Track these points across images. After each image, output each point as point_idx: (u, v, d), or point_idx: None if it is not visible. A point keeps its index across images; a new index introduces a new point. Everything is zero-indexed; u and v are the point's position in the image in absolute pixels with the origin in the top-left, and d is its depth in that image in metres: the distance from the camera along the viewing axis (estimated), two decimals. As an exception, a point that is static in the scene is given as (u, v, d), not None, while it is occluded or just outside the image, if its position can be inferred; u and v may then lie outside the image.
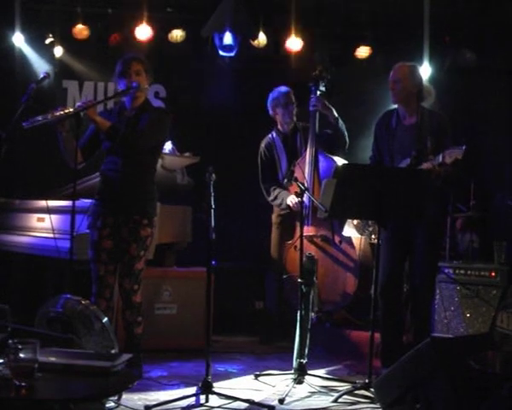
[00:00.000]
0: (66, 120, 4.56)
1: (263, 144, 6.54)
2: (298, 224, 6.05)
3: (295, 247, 6.00)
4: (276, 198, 6.32)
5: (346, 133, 6.23)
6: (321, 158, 6.16)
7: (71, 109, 4.58)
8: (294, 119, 6.46)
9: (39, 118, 4.44)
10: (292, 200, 6.04)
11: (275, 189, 6.36)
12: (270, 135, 6.56)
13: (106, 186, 4.78)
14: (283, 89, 6.46)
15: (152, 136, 4.72)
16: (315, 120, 6.20)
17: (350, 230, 6.17)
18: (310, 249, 5.70)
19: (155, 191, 4.87)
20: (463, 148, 4.67)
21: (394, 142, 5.21)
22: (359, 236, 6.23)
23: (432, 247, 5.23)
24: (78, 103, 4.71)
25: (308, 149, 6.18)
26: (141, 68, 4.74)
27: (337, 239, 6.01)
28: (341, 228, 6.07)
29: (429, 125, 5.09)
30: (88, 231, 4.88)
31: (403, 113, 5.24)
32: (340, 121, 6.18)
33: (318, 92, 6.17)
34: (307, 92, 6.26)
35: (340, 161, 6.04)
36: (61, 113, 4.50)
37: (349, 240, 6.01)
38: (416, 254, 5.17)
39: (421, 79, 5.33)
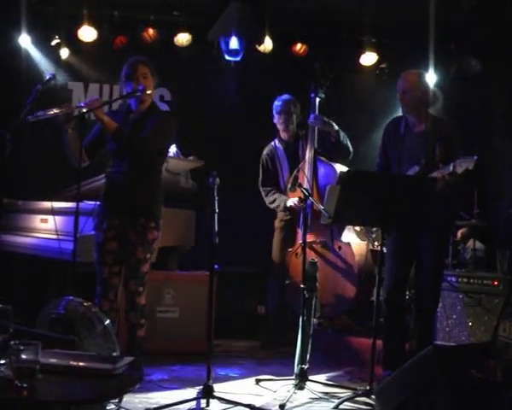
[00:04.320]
0: (72, 119, 4.57)
1: (265, 152, 6.57)
2: (299, 230, 6.07)
3: (296, 254, 6.02)
4: (274, 201, 6.37)
5: (348, 144, 6.25)
6: (319, 165, 6.17)
7: (76, 106, 4.60)
8: (291, 127, 6.46)
9: (41, 112, 4.45)
10: (294, 201, 6.06)
11: (274, 193, 6.39)
12: (272, 143, 6.58)
13: (112, 188, 4.78)
14: (285, 97, 6.47)
15: (157, 140, 4.71)
16: (314, 133, 6.19)
17: (350, 235, 6.18)
18: (309, 256, 5.68)
19: (161, 194, 4.86)
20: (475, 158, 4.65)
21: (402, 149, 5.19)
22: (360, 241, 6.23)
23: (438, 255, 5.22)
24: (85, 101, 4.71)
25: (307, 151, 6.17)
26: (147, 71, 4.74)
27: (336, 245, 6.02)
28: (340, 234, 6.08)
29: (438, 132, 5.08)
30: (92, 232, 4.88)
31: (412, 120, 5.22)
32: (342, 133, 6.19)
33: (318, 99, 6.17)
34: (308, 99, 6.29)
35: (339, 168, 6.05)
36: (66, 109, 4.51)
37: (348, 246, 6.01)
38: (422, 262, 5.15)
39: (428, 84, 5.33)
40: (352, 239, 6.18)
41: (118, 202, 4.73)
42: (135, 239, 4.68)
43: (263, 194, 6.47)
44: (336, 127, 6.15)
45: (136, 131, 4.69)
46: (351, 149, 6.26)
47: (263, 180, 6.52)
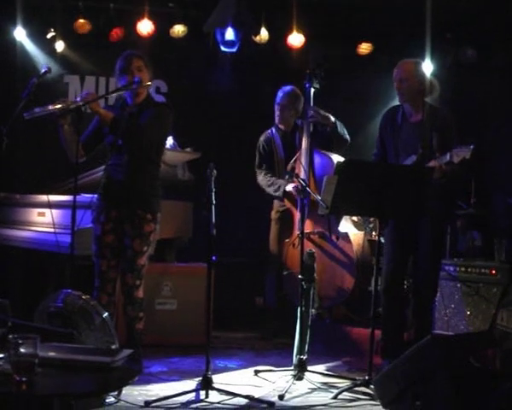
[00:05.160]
0: (68, 113, 4.56)
1: (262, 138, 6.55)
2: (296, 220, 6.07)
3: (294, 245, 6.01)
4: (272, 184, 6.32)
5: (345, 133, 6.21)
6: (316, 155, 6.15)
7: (72, 102, 4.59)
8: (287, 120, 6.43)
9: (37, 109, 4.44)
10: (293, 186, 6.00)
11: (271, 175, 6.37)
12: (269, 130, 6.57)
13: (110, 181, 4.78)
14: (287, 89, 6.45)
15: (153, 131, 4.71)
16: (309, 126, 6.17)
17: (347, 225, 6.17)
18: (307, 246, 5.68)
19: (160, 187, 4.86)
20: (471, 147, 4.65)
21: (399, 139, 5.19)
22: (357, 232, 6.23)
23: (436, 245, 5.23)
24: (80, 95, 4.71)
25: (303, 142, 6.16)
26: (142, 64, 4.73)
27: (334, 236, 6.01)
28: (338, 224, 6.07)
29: (435, 121, 5.08)
30: (89, 225, 4.88)
31: (409, 110, 5.22)
32: (338, 123, 6.16)
33: (312, 89, 6.14)
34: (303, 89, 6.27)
35: (336, 158, 6.04)
36: (62, 105, 4.50)
37: (346, 236, 6.01)
38: (420, 252, 5.16)
39: (424, 74, 5.32)
40: (350, 229, 6.17)
41: (115, 194, 4.73)
42: (131, 231, 4.68)
43: (259, 176, 6.44)
44: (333, 119, 6.13)
45: (133, 123, 4.68)
46: (348, 138, 6.23)
47: (259, 164, 6.50)
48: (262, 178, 6.42)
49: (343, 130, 6.20)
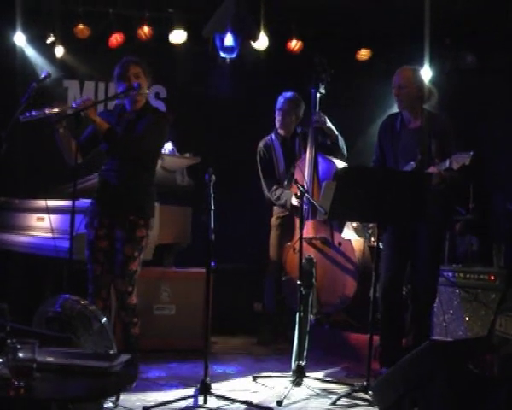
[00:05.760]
0: (64, 119, 4.56)
1: (261, 144, 6.55)
2: (297, 226, 6.06)
3: (294, 249, 5.99)
4: (279, 198, 6.32)
5: (344, 148, 6.23)
6: (320, 160, 6.15)
7: (69, 106, 4.60)
8: (288, 127, 6.44)
9: (34, 112, 4.44)
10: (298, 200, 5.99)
11: (277, 188, 6.36)
12: (268, 136, 6.57)
13: (103, 186, 4.78)
14: (288, 95, 6.46)
15: (149, 140, 4.69)
16: (313, 133, 6.16)
17: (348, 231, 6.17)
18: (309, 251, 5.69)
19: (154, 193, 4.85)
20: (471, 154, 4.66)
21: (398, 145, 5.20)
22: (358, 238, 6.22)
23: (435, 251, 5.24)
24: (77, 101, 4.71)
25: (308, 152, 6.16)
26: (139, 71, 4.72)
27: (336, 241, 6.00)
28: (341, 230, 6.06)
29: (433, 128, 5.09)
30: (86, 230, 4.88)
31: (407, 117, 5.23)
32: (340, 138, 6.17)
33: (318, 95, 6.15)
34: (308, 94, 6.27)
35: (339, 164, 6.04)
36: (59, 109, 4.50)
37: (348, 242, 5.99)
38: (419, 258, 5.16)
39: (423, 80, 5.34)
40: (350, 236, 6.17)
41: (109, 200, 4.73)
42: (122, 236, 4.66)
43: (265, 188, 6.44)
44: (336, 132, 6.14)
45: (129, 131, 4.69)
46: (345, 153, 6.25)
47: (264, 173, 6.49)
48: (269, 195, 6.42)
49: (343, 145, 6.21)
